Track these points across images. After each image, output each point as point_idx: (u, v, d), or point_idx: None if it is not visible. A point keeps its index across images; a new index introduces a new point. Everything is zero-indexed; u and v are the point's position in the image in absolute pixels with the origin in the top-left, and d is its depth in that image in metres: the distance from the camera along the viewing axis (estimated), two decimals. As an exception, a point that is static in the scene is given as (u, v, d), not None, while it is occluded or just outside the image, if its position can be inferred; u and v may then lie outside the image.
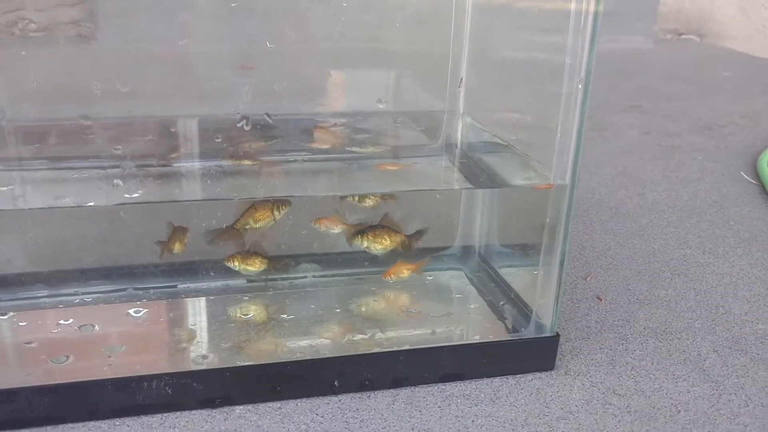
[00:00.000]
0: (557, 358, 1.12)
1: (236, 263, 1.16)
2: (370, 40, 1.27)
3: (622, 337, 1.21)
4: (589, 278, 1.41)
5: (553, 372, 1.11)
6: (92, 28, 1.20)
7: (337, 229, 1.19)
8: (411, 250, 1.21)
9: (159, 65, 1.19)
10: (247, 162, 1.18)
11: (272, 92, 1.18)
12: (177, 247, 1.15)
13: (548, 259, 1.07)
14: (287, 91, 1.18)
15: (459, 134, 1.31)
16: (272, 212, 1.15)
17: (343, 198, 1.16)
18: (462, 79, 1.30)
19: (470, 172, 1.23)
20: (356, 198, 1.16)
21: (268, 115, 1.09)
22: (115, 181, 1.03)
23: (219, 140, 1.15)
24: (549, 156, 1.06)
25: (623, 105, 2.83)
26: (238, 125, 1.07)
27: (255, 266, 1.17)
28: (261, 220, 1.15)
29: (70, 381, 0.96)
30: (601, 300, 1.33)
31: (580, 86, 0.97)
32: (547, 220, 1.05)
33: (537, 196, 1.11)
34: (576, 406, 1.04)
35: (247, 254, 1.17)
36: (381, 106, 1.24)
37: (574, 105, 0.98)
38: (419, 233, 1.21)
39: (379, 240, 1.18)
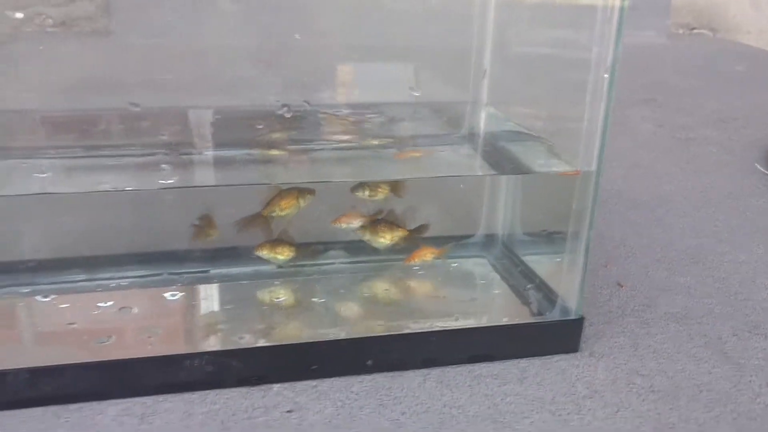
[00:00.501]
0: (581, 341, 1.15)
1: (265, 252, 1.19)
2: (394, 34, 1.29)
3: (643, 322, 1.24)
4: (608, 265, 1.44)
5: (577, 354, 1.14)
6: (108, 23, 1.24)
7: (356, 224, 1.22)
8: (412, 244, 1.24)
9: (176, 59, 1.21)
10: (274, 152, 1.22)
11: (299, 84, 1.21)
12: (210, 234, 1.18)
13: (574, 244, 1.11)
14: (314, 83, 1.22)
15: (482, 124, 1.34)
16: (297, 200, 1.18)
17: (354, 191, 1.18)
18: (486, 71, 1.33)
19: (493, 160, 1.27)
20: (366, 192, 1.18)
21: (307, 102, 1.12)
22: (162, 165, 1.07)
23: (261, 127, 1.19)
24: (573, 144, 1.09)
25: (637, 99, 2.86)
26: (278, 113, 1.11)
27: (284, 254, 1.20)
28: (286, 209, 1.18)
29: (114, 359, 0.99)
30: (622, 286, 1.36)
31: (606, 75, 1.00)
32: (574, 206, 1.08)
33: (560, 183, 1.14)
34: (601, 385, 1.07)
35: (275, 243, 1.20)
36: (416, 94, 1.27)
37: (600, 93, 1.01)
38: (421, 228, 1.23)
39: (381, 234, 1.21)
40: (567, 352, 1.14)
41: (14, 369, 0.95)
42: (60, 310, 1.15)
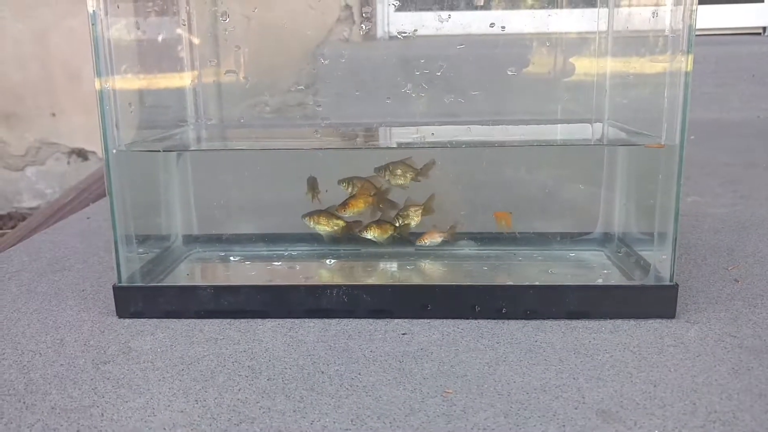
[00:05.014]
0: (678, 310, 1.25)
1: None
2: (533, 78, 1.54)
3: (751, 305, 1.30)
4: (731, 268, 1.50)
5: (673, 320, 1.24)
6: (314, 108, 1.62)
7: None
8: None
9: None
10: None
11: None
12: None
13: (664, 214, 1.23)
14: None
15: (604, 131, 1.52)
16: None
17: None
18: (606, 92, 1.52)
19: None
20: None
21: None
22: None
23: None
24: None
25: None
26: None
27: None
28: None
29: (275, 284, 1.29)
30: (737, 281, 1.42)
31: (683, 58, 1.16)
32: (660, 177, 1.22)
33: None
34: (689, 340, 1.16)
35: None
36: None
37: (678, 78, 1.17)
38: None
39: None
40: (663, 317, 1.24)
41: (204, 285, 1.28)
42: (244, 266, 1.49)
